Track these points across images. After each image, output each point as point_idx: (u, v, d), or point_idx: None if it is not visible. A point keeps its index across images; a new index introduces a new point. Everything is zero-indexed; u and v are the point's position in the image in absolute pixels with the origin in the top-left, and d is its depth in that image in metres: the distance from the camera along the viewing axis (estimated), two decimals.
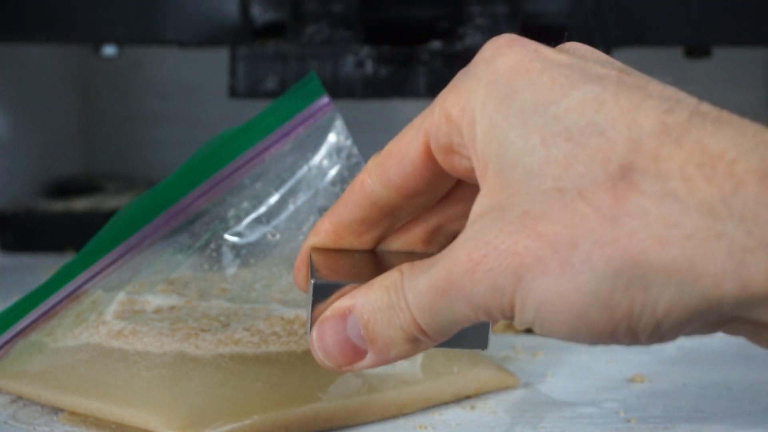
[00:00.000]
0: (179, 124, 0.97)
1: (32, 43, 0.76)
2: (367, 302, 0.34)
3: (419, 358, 0.45)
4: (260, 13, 0.65)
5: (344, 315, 0.34)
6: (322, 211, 0.44)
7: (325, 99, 0.47)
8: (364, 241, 0.38)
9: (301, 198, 0.47)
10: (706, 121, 0.30)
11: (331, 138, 0.47)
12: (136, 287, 0.45)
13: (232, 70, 0.65)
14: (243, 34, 0.65)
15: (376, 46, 0.64)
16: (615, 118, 0.30)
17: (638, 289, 0.29)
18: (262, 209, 0.47)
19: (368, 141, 0.45)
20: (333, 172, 0.47)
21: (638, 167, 0.30)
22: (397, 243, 0.38)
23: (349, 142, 0.47)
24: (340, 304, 0.34)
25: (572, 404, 0.46)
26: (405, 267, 0.33)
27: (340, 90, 0.64)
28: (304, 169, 0.47)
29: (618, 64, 0.33)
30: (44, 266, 0.69)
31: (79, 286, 0.44)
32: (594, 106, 0.31)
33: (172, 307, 0.45)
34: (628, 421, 0.43)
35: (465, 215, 0.36)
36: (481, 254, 0.31)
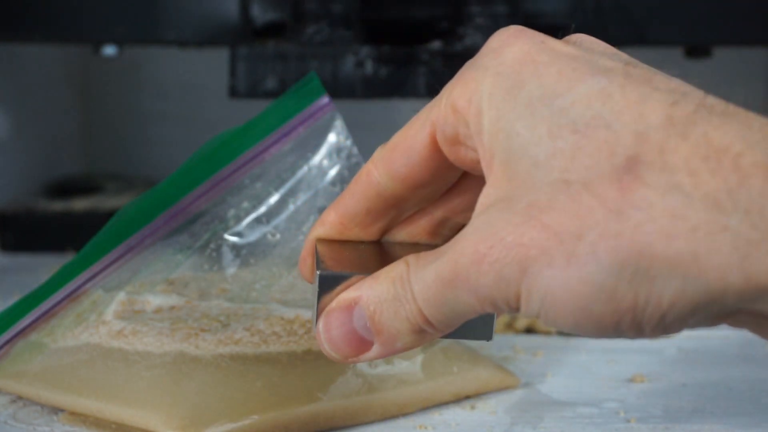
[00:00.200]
0: (179, 124, 0.97)
1: (32, 43, 0.76)
2: (373, 294, 0.34)
3: (419, 358, 0.45)
4: (260, 13, 0.65)
5: (350, 306, 0.34)
6: (322, 211, 0.44)
7: (325, 99, 0.47)
8: (370, 233, 0.38)
9: (301, 198, 0.47)
10: (711, 114, 0.30)
11: (331, 138, 0.47)
12: (136, 287, 0.45)
13: (232, 70, 0.65)
14: (243, 34, 0.65)
15: (376, 46, 0.64)
16: (621, 111, 0.31)
17: (643, 281, 0.29)
18: (262, 209, 0.47)
19: (368, 141, 0.45)
20: (333, 172, 0.47)
21: (644, 160, 0.30)
22: (403, 234, 0.38)
23: (349, 142, 0.47)
24: (346, 295, 0.34)
25: (572, 404, 0.46)
26: (411, 258, 0.34)
27: (340, 90, 0.64)
28: (304, 169, 0.47)
29: (624, 56, 0.33)
30: (44, 266, 0.69)
31: (79, 286, 0.44)
32: (601, 98, 0.31)
33: (172, 307, 0.45)
34: (628, 421, 0.43)
35: (470, 207, 0.36)
36: (487, 246, 0.31)
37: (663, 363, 0.52)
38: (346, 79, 0.64)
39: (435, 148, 0.35)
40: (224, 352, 0.42)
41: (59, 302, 0.44)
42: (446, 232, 0.38)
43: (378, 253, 0.37)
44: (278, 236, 0.47)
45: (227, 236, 0.46)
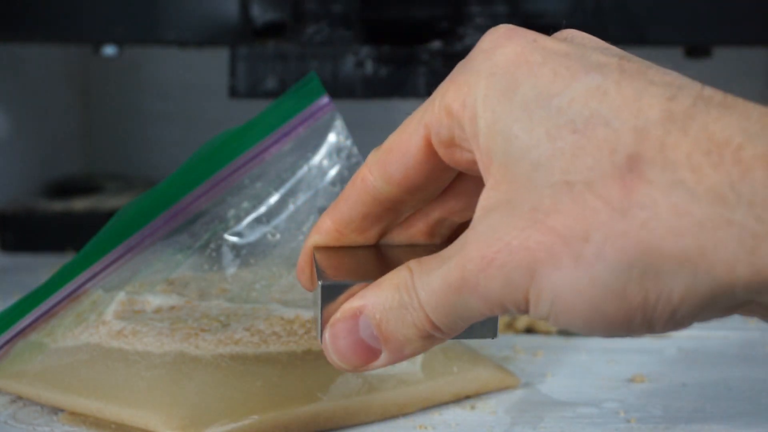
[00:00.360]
0: (179, 124, 0.97)
1: (32, 43, 0.76)
2: (378, 302, 0.34)
3: (419, 357, 0.45)
4: (260, 13, 0.65)
5: (355, 316, 0.34)
6: (322, 211, 0.44)
7: (325, 99, 0.47)
8: (367, 237, 0.38)
9: (301, 198, 0.47)
10: (710, 106, 0.30)
11: (331, 138, 0.47)
12: (136, 287, 0.45)
13: (232, 70, 0.65)
14: (243, 34, 0.65)
15: (376, 46, 0.64)
16: (619, 108, 0.30)
17: (652, 279, 0.29)
18: (262, 209, 0.47)
19: (368, 141, 0.45)
20: (333, 172, 0.47)
21: (645, 157, 0.30)
22: (400, 237, 0.38)
23: (349, 142, 0.47)
24: (350, 305, 0.34)
25: (572, 404, 0.46)
26: (413, 264, 0.33)
27: (340, 90, 0.64)
28: (304, 169, 0.47)
29: (617, 50, 0.33)
30: (44, 266, 0.69)
31: (79, 286, 0.44)
32: (597, 96, 0.31)
33: (172, 307, 0.45)
34: (628, 421, 0.43)
35: (467, 207, 0.36)
36: (493, 251, 0.31)
37: (663, 363, 0.52)
38: (346, 79, 0.64)
39: (430, 150, 0.35)
40: (224, 352, 0.42)
41: (59, 302, 0.44)
42: (444, 231, 0.38)
43: (377, 258, 0.37)
44: (278, 236, 0.47)
45: (227, 236, 0.46)
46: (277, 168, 0.47)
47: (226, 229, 0.46)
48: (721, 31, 0.66)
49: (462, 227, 0.38)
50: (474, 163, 0.33)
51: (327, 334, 0.34)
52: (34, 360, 0.44)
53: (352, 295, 0.34)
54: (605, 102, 0.31)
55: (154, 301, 0.45)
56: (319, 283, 0.35)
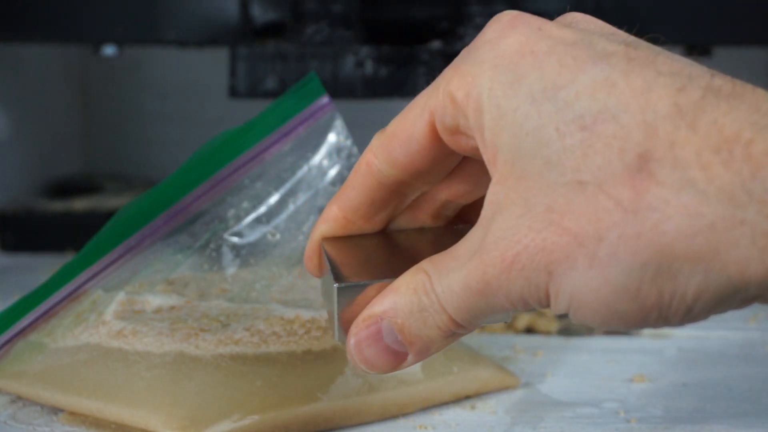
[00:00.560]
0: (179, 124, 0.97)
1: (32, 43, 0.76)
2: (398, 307, 0.34)
3: None
4: (260, 13, 0.65)
5: (377, 323, 0.34)
6: (322, 211, 0.44)
7: (325, 99, 0.47)
8: (374, 223, 0.38)
9: (301, 198, 0.47)
10: (719, 99, 0.30)
11: (331, 138, 0.47)
12: (136, 287, 0.45)
13: (232, 70, 0.65)
14: (243, 34, 0.65)
15: (376, 46, 0.64)
16: (627, 102, 0.30)
17: (666, 278, 0.30)
18: (262, 209, 0.47)
19: (368, 141, 0.45)
20: (333, 172, 0.47)
21: (655, 156, 0.30)
22: (406, 221, 0.38)
23: (349, 142, 0.47)
24: (369, 312, 0.34)
25: (572, 404, 0.46)
26: (427, 267, 0.34)
27: (340, 90, 0.64)
28: (304, 169, 0.47)
29: (623, 35, 0.33)
30: (44, 266, 0.69)
31: (79, 286, 0.44)
32: (605, 88, 0.31)
33: (172, 307, 0.45)
34: (628, 421, 0.43)
35: (472, 190, 0.37)
36: (513, 254, 0.31)
37: (663, 363, 0.52)
38: (346, 79, 0.64)
39: (435, 136, 0.35)
40: (224, 352, 0.42)
41: (59, 302, 0.44)
42: (449, 213, 0.38)
43: (387, 248, 0.37)
44: (278, 236, 0.47)
45: (227, 236, 0.46)
46: (277, 168, 0.47)
47: (226, 229, 0.46)
48: (721, 30, 0.66)
49: (466, 209, 0.38)
50: (479, 149, 0.33)
51: (351, 345, 0.34)
52: (34, 360, 0.44)
53: (369, 295, 0.34)
54: (613, 95, 0.30)
55: (154, 301, 0.45)
56: (335, 285, 0.34)
